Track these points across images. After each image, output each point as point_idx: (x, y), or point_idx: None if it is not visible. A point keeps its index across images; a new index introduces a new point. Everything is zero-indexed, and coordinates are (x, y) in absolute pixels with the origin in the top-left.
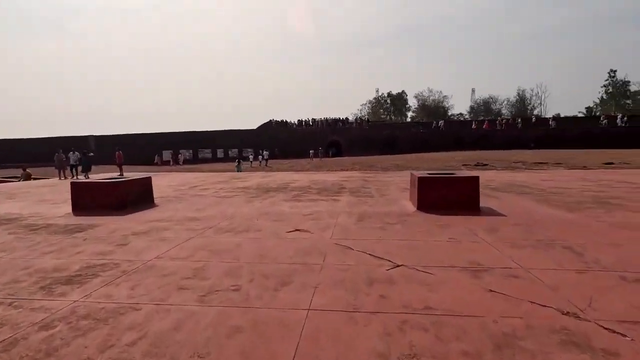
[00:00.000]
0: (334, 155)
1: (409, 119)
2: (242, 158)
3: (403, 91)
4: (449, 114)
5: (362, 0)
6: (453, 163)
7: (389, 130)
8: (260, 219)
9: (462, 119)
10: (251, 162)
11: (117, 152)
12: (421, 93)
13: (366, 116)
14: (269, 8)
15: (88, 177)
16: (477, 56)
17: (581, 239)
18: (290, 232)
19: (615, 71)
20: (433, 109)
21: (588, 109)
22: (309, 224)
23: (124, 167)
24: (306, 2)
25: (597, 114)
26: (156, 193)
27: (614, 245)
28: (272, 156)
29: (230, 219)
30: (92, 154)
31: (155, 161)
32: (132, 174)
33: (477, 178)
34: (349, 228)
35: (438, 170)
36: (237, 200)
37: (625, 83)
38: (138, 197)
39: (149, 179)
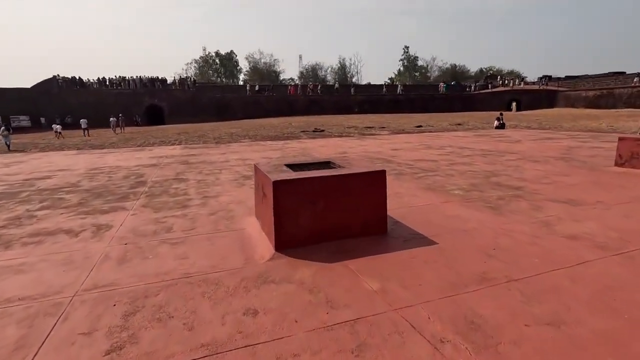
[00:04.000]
0: (154, 123)
1: (241, 82)
2: (9, 128)
3: (232, 51)
4: (281, 78)
5: None
6: (291, 129)
7: (220, 94)
8: None
9: (292, 84)
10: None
11: None
12: (252, 55)
13: (192, 77)
14: None
15: None
16: (303, 25)
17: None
18: None
19: (409, 47)
20: (265, 73)
21: (391, 78)
22: None
23: None
24: None
25: (397, 83)
26: None
27: None
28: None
29: None
30: None
31: None
32: None
33: (382, 174)
34: None
35: (276, 136)
36: None
37: (415, 58)
38: None
39: None
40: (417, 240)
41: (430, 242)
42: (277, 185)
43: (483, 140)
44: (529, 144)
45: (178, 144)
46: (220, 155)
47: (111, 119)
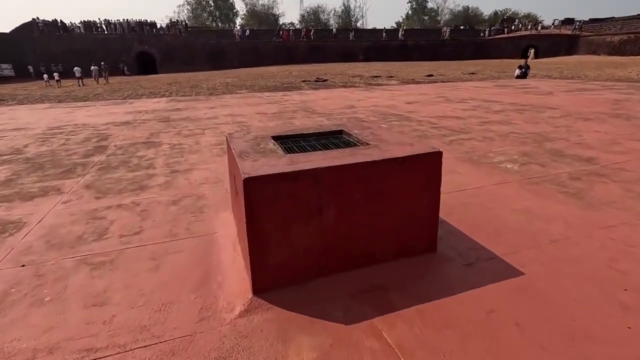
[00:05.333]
0: (146, 73)
1: (237, 27)
2: None
3: None
4: (280, 22)
5: None
6: (291, 79)
7: (215, 40)
8: None
9: (293, 28)
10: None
11: None
12: None
13: (184, 21)
14: None
15: None
16: None
17: None
18: None
19: None
20: (263, 17)
21: (397, 23)
22: None
23: None
24: None
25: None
26: None
27: None
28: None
29: None
30: None
31: None
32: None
33: (436, 158)
34: None
35: (275, 87)
36: None
37: (425, 0)
38: None
39: None
40: (486, 264)
41: (510, 271)
42: (253, 185)
43: (508, 92)
44: (564, 96)
45: (165, 96)
46: (208, 110)
47: (92, 67)
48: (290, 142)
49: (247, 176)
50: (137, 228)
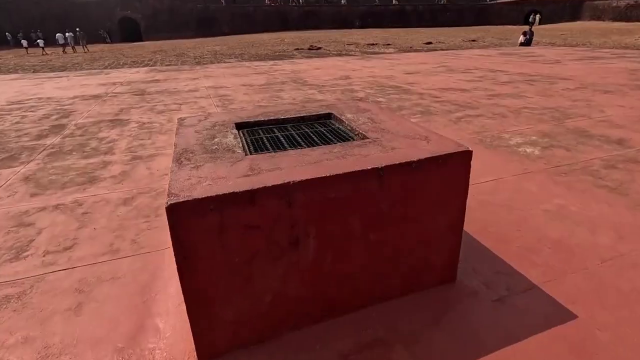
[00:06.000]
0: (130, 40)
1: None
2: None
3: None
4: None
5: None
6: (283, 47)
7: (202, 3)
8: None
9: None
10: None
11: None
12: None
13: None
14: None
15: None
16: None
17: None
18: None
19: None
20: None
21: None
22: None
23: None
24: None
25: None
26: None
27: None
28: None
29: None
30: None
31: None
32: None
33: (464, 160)
34: None
35: (266, 55)
36: None
37: None
38: None
39: None
40: (522, 299)
41: (557, 311)
42: (182, 215)
43: (514, 61)
44: (574, 65)
45: (149, 66)
46: (190, 81)
47: (67, 34)
48: (261, 132)
49: (173, 201)
50: (69, 240)
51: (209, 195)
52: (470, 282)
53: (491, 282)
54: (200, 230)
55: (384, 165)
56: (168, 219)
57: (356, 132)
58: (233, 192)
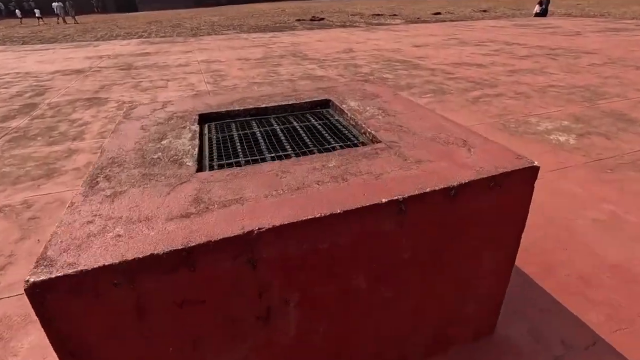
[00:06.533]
0: (125, 11)
1: None
2: None
3: None
4: None
5: None
6: (284, 18)
7: None
8: None
9: None
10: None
11: None
12: None
13: None
14: None
15: None
16: None
17: None
18: None
19: None
20: None
21: None
22: None
23: None
24: None
25: None
26: None
27: None
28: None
29: None
30: None
31: None
32: None
33: (527, 183)
34: None
35: (265, 27)
36: None
37: None
38: None
39: None
40: None
41: None
42: (64, 305)
43: (531, 33)
44: (597, 38)
45: (143, 37)
46: (182, 54)
47: (55, 4)
48: (233, 127)
49: (39, 278)
50: (3, 258)
51: (108, 264)
52: (511, 332)
53: (539, 333)
54: (98, 317)
55: (407, 195)
56: (32, 306)
57: (362, 131)
58: (152, 255)
